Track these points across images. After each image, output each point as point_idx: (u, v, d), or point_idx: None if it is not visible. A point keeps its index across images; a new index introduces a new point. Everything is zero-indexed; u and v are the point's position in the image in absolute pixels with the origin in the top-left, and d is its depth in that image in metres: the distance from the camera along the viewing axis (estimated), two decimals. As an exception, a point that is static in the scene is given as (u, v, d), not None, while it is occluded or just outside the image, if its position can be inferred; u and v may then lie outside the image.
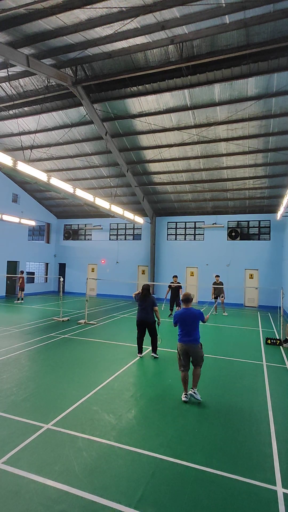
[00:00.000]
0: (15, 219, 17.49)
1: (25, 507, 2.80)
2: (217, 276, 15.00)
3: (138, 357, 7.38)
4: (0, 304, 16.20)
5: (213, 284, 14.53)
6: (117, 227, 21.57)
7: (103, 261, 21.63)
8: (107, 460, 3.50)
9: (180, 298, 13.29)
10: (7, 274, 18.62)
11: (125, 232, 21.41)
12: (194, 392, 5.10)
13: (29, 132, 14.65)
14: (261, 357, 7.77)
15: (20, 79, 11.76)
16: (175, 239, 20.00)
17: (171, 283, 13.51)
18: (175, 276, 14.02)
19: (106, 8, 8.12)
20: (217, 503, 2.92)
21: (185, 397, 5.07)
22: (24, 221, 18.22)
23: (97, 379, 5.87)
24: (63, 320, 11.71)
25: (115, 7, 8.12)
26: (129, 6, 8.09)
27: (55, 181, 10.26)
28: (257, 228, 18.32)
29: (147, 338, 7.51)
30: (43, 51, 9.97)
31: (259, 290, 17.89)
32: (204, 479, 3.24)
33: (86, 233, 22.72)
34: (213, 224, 18.77)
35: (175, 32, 8.84)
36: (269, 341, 9.10)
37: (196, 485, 3.14)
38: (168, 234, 20.14)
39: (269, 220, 17.90)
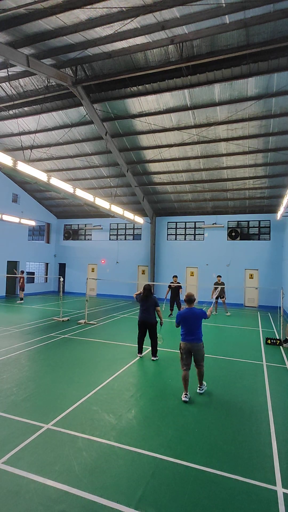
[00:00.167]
0: (15, 219, 17.49)
1: (25, 507, 2.81)
2: (219, 276, 14.99)
3: (138, 357, 7.38)
4: (0, 304, 16.20)
5: (214, 284, 14.53)
6: (117, 227, 21.57)
7: (103, 261, 21.64)
8: (107, 460, 3.50)
9: (181, 298, 13.44)
10: (7, 274, 18.63)
11: (125, 232, 21.41)
12: (200, 388, 5.44)
13: (29, 132, 14.65)
14: (261, 357, 7.77)
15: (20, 79, 11.76)
16: (175, 239, 20.00)
17: (171, 283, 13.51)
18: (175, 276, 14.02)
19: (106, 8, 8.12)
20: (217, 503, 2.92)
21: (185, 396, 5.08)
22: (24, 221, 18.22)
23: (97, 379, 5.87)
24: (63, 320, 11.71)
25: (115, 7, 8.12)
26: (129, 6, 8.08)
27: (55, 181, 10.26)
28: (257, 228, 18.32)
29: (147, 338, 7.50)
30: (43, 51, 9.97)
31: (259, 290, 17.89)
32: (204, 479, 3.24)
33: (86, 233, 22.72)
34: (213, 224, 18.77)
35: (175, 32, 8.84)
36: (269, 341, 9.10)
37: (196, 485, 3.14)
38: (168, 234, 20.14)
39: (269, 220, 17.90)
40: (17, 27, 8.96)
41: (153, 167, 15.82)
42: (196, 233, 19.53)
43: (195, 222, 19.47)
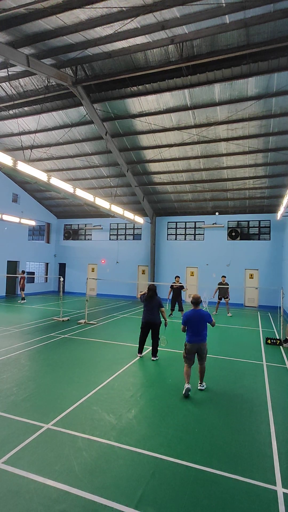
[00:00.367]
0: (15, 219, 17.50)
1: (25, 507, 2.80)
2: (224, 276, 14.97)
3: (138, 357, 7.38)
4: (0, 304, 16.20)
5: (218, 284, 14.52)
6: (117, 227, 21.57)
7: (103, 261, 21.64)
8: (107, 460, 3.50)
9: (182, 299, 13.44)
10: (7, 274, 18.64)
11: (125, 232, 21.42)
12: (201, 385, 5.57)
13: (29, 132, 14.65)
14: (261, 357, 7.77)
15: (20, 79, 11.76)
16: (175, 239, 20.00)
17: (173, 283, 13.54)
18: (177, 277, 14.09)
19: (106, 8, 8.12)
20: (217, 503, 2.92)
21: (187, 386, 5.25)
22: (24, 221, 18.22)
23: (97, 379, 5.87)
24: (63, 320, 11.71)
25: (115, 7, 8.12)
26: (129, 6, 8.08)
27: (55, 181, 10.26)
28: (257, 228, 18.32)
29: (148, 339, 7.49)
30: (43, 51, 9.97)
31: (259, 290, 17.89)
32: (204, 479, 3.24)
33: (86, 233, 22.72)
34: (213, 224, 18.77)
35: (175, 32, 8.83)
36: (269, 341, 9.10)
37: (196, 485, 3.14)
38: (168, 234, 20.14)
39: (269, 220, 17.90)
40: (17, 27, 8.95)
41: (153, 167, 15.82)
42: (196, 233, 19.53)
43: (195, 222, 19.46)
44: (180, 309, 13.12)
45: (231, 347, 8.72)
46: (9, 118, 14.02)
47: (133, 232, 21.18)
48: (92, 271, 22.02)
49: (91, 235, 22.48)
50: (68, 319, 11.90)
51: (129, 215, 16.32)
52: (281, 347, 8.87)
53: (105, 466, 3.40)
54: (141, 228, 20.69)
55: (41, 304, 16.55)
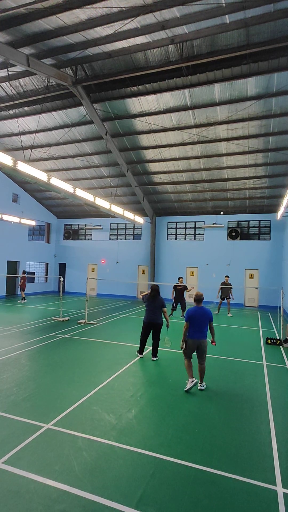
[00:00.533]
0: (15, 219, 17.50)
1: (25, 507, 2.80)
2: (227, 276, 14.98)
3: (139, 357, 7.38)
4: (0, 304, 16.20)
5: (221, 285, 14.54)
6: (117, 227, 21.57)
7: (103, 261, 21.64)
8: (107, 460, 3.50)
9: (184, 299, 13.46)
10: (7, 274, 18.63)
11: (125, 232, 21.41)
12: (201, 385, 5.61)
13: (29, 132, 14.65)
14: (261, 357, 7.77)
15: (20, 79, 11.76)
16: (175, 239, 20.00)
17: (176, 284, 13.60)
18: (181, 278, 14.16)
19: (106, 8, 8.12)
20: (217, 503, 2.92)
21: (192, 382, 5.34)
22: (24, 221, 18.22)
23: (97, 379, 5.87)
24: (63, 320, 11.71)
25: (115, 7, 8.12)
26: (129, 6, 8.08)
27: (55, 181, 10.26)
28: (257, 228, 18.31)
29: (149, 339, 7.48)
30: (43, 51, 9.97)
31: (259, 290, 17.89)
32: (204, 479, 3.24)
33: (86, 233, 22.72)
34: (213, 224, 18.77)
35: (175, 32, 8.83)
36: (269, 341, 9.10)
37: (196, 485, 3.14)
38: (168, 234, 20.14)
39: (269, 220, 17.90)
40: (17, 27, 8.95)
41: (153, 167, 15.82)
42: (196, 233, 19.53)
43: (195, 222, 19.46)
44: (183, 310, 13.18)
45: (231, 347, 8.72)
46: (9, 118, 14.02)
47: (133, 232, 21.18)
48: (92, 271, 22.02)
49: (91, 235, 22.48)
50: (68, 319, 11.90)
51: (129, 215, 16.31)
52: (281, 347, 8.87)
53: (105, 466, 3.40)
54: (141, 228, 20.69)
55: (41, 304, 16.55)
